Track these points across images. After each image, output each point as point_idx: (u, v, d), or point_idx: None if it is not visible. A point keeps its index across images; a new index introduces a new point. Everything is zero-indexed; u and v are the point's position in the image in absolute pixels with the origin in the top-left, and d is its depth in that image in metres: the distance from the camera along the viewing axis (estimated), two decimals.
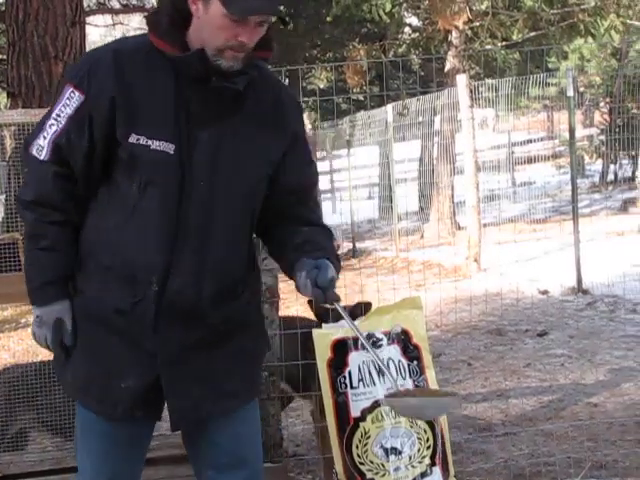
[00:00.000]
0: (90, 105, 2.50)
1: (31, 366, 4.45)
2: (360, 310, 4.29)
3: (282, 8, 2.59)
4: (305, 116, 15.09)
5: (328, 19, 17.05)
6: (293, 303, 6.98)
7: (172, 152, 2.50)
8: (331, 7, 15.60)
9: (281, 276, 3.37)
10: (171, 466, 3.67)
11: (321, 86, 22.45)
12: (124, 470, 2.80)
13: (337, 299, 2.62)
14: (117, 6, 20.64)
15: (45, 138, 2.54)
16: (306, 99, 17.51)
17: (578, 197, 10.48)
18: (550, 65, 22.58)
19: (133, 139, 2.49)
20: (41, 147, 2.54)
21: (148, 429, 2.84)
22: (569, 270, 9.77)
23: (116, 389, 2.61)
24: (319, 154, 18.63)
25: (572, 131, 10.70)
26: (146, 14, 2.63)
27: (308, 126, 16.90)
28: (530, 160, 20.89)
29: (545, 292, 9.84)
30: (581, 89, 22.13)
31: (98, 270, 2.60)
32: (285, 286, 4.44)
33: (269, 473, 4.09)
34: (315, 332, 3.92)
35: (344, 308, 2.69)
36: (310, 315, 4.38)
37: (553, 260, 11.34)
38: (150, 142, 2.49)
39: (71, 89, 2.53)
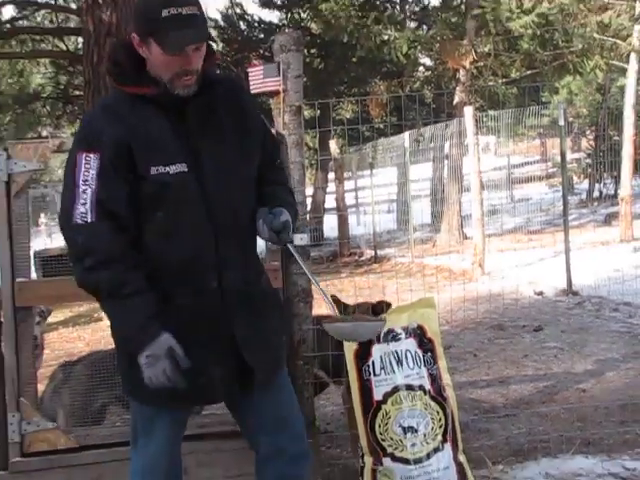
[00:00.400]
0: (108, 156, 2.48)
1: (109, 351, 4.46)
2: (381, 308, 4.30)
3: (210, 32, 2.57)
4: (333, 142, 15.26)
5: (354, 60, 17.12)
6: (323, 302, 6.97)
7: (187, 169, 2.53)
8: (356, 50, 15.66)
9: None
10: (218, 441, 3.65)
11: (348, 116, 22.53)
12: (178, 447, 2.86)
13: (289, 240, 2.68)
14: None
15: (84, 204, 2.47)
16: (335, 127, 17.64)
17: (568, 211, 10.44)
18: (543, 99, 22.51)
19: (154, 171, 2.50)
20: (84, 213, 2.47)
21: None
22: (561, 274, 9.72)
23: (213, 381, 2.66)
24: (346, 174, 18.60)
25: (563, 155, 10.68)
26: (107, 67, 2.63)
27: (336, 150, 16.93)
28: (526, 180, 20.89)
29: (540, 293, 9.80)
30: (570, 119, 22.09)
31: (160, 293, 2.57)
32: (316, 288, 4.44)
33: None
34: None
35: (296, 249, 2.73)
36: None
37: (547, 265, 11.29)
38: (168, 168, 2.51)
39: (84, 155, 2.50)
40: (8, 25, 16.27)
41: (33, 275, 4.15)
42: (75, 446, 3.97)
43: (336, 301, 4.48)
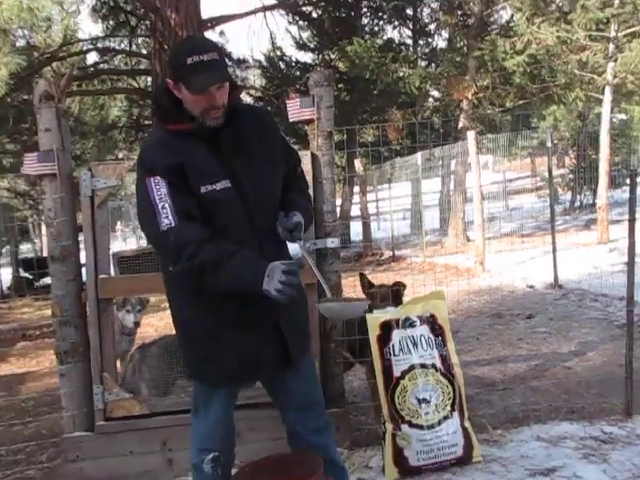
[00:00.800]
0: (170, 178, 2.49)
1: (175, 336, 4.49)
2: (397, 288, 4.45)
3: (227, 68, 2.60)
4: (358, 161, 15.23)
5: (374, 92, 17.12)
6: (350, 295, 6.97)
7: (230, 185, 2.55)
8: (377, 84, 15.65)
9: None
10: (266, 409, 3.67)
11: (370, 139, 22.48)
12: (231, 417, 2.87)
13: (299, 238, 2.66)
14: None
15: (167, 216, 2.48)
16: (359, 149, 17.62)
17: (555, 218, 10.37)
18: (533, 124, 22.37)
19: (203, 189, 2.52)
20: (169, 222, 2.47)
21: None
22: (549, 270, 9.63)
23: (261, 363, 2.69)
24: (368, 188, 18.58)
25: (550, 171, 10.60)
26: (151, 109, 2.69)
27: (361, 168, 16.91)
28: (519, 192, 20.80)
29: (531, 286, 9.72)
30: (555, 141, 21.93)
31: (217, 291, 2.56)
32: (344, 282, 4.44)
33: (335, 416, 4.08)
34: (368, 316, 3.94)
35: (309, 251, 2.80)
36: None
37: (537, 263, 11.19)
38: (214, 186, 2.53)
39: (152, 179, 2.51)
40: (92, 68, 16.45)
41: (112, 272, 4.16)
42: (147, 413, 4.01)
43: (363, 278, 4.54)
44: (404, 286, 4.51)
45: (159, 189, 2.49)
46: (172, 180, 2.49)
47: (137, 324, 5.44)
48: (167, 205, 2.47)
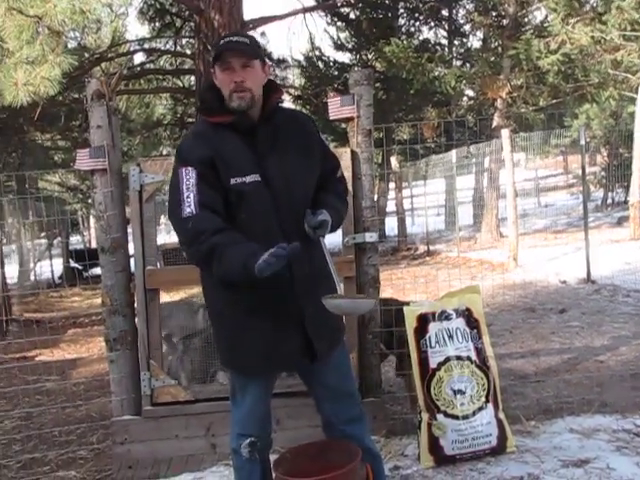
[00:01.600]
0: (200, 169, 2.54)
1: None
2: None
3: (257, 53, 2.67)
4: (394, 158, 15.12)
5: (411, 92, 16.98)
6: (387, 288, 6.96)
7: (260, 179, 2.57)
8: (413, 84, 15.54)
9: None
10: (304, 398, 3.66)
11: (405, 137, 22.35)
12: (267, 404, 2.86)
13: (322, 235, 2.65)
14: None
15: (189, 205, 2.52)
16: (394, 147, 17.53)
17: (587, 214, 10.22)
18: (566, 123, 22.03)
19: (233, 181, 2.54)
20: (191, 210, 2.51)
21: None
22: (581, 266, 9.51)
23: (286, 353, 2.67)
24: (404, 184, 18.50)
25: (583, 168, 10.43)
26: (195, 104, 2.73)
27: (397, 165, 16.83)
28: (551, 189, 20.52)
29: (564, 282, 9.59)
30: (588, 139, 21.58)
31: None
32: (382, 275, 4.42)
33: (372, 405, 4.09)
34: (406, 309, 3.92)
35: (326, 245, 2.70)
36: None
37: (570, 259, 11.06)
38: (244, 179, 2.55)
39: (184, 169, 2.56)
40: (139, 68, 16.58)
41: (158, 264, 4.20)
42: (192, 399, 4.05)
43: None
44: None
45: (189, 179, 2.54)
46: (202, 172, 2.54)
47: None
48: (192, 195, 2.52)
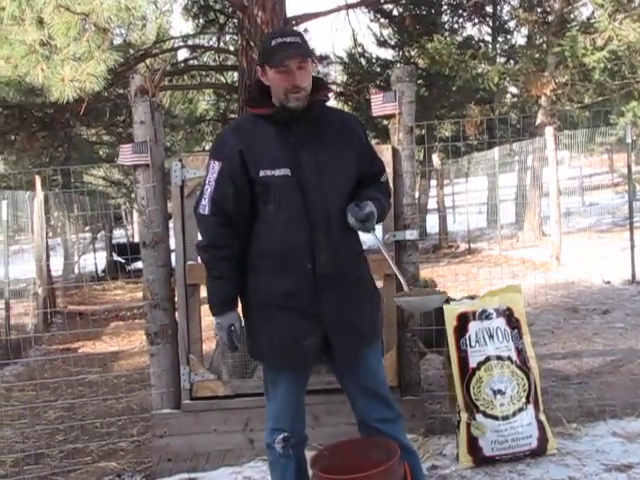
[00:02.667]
0: (226, 164, 2.62)
1: None
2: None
3: (310, 51, 2.70)
4: (436, 155, 15.05)
5: (453, 88, 16.85)
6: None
7: (290, 174, 2.58)
8: (455, 80, 15.41)
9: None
10: (342, 395, 3.66)
11: (447, 134, 22.16)
12: (299, 399, 2.85)
13: (372, 228, 2.66)
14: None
15: (205, 199, 2.65)
16: (436, 144, 17.42)
17: (633, 214, 10.03)
18: (611, 121, 21.61)
19: (263, 173, 2.57)
20: (204, 205, 2.65)
21: (310, 371, 2.91)
22: (626, 266, 9.35)
23: (304, 347, 2.65)
24: (445, 182, 18.35)
25: (629, 167, 10.27)
26: (243, 98, 2.78)
27: (438, 162, 16.71)
28: (595, 187, 20.18)
29: (608, 282, 9.43)
30: (634, 137, 21.18)
31: (267, 272, 2.64)
32: (422, 273, 4.38)
33: (411, 403, 4.07)
34: (446, 307, 3.88)
35: (381, 240, 2.81)
36: None
37: (614, 259, 10.85)
38: (274, 172, 2.58)
39: (212, 162, 2.67)
40: (182, 64, 16.72)
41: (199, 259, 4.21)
42: (231, 394, 4.06)
43: None
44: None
45: (213, 173, 2.65)
46: (226, 165, 2.62)
47: None
48: (209, 189, 2.64)
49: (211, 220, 2.65)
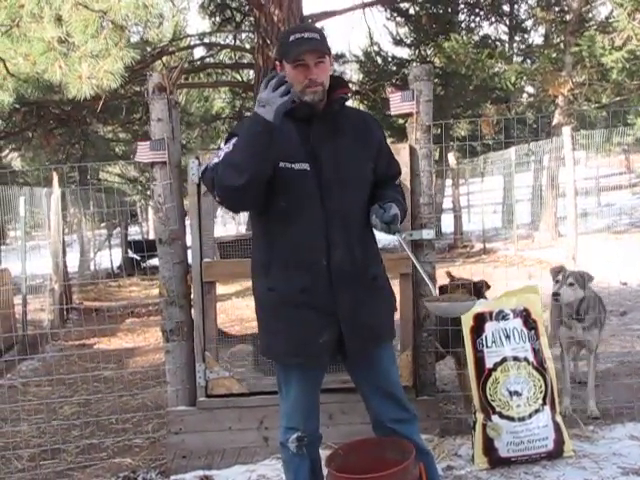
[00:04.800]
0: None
1: None
2: (480, 286, 4.44)
3: (328, 47, 2.66)
4: (451, 155, 14.95)
5: (470, 88, 16.79)
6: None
7: (309, 168, 2.58)
8: (472, 79, 15.36)
9: None
10: (358, 394, 3.66)
11: (462, 134, 22.09)
12: (312, 398, 2.83)
13: (398, 230, 2.65)
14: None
15: (218, 159, 2.54)
16: (452, 143, 17.34)
17: None
18: (629, 121, 21.45)
19: (282, 165, 2.56)
20: (216, 162, 2.53)
21: (325, 370, 2.88)
22: None
23: (318, 345, 2.64)
24: (460, 181, 18.28)
25: None
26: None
27: (454, 162, 16.65)
28: (611, 188, 20.03)
29: (625, 283, 9.36)
30: None
31: (281, 268, 2.63)
32: (437, 273, 4.35)
33: (426, 403, 4.05)
34: None
35: (407, 242, 2.72)
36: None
37: (631, 260, 10.76)
38: (293, 165, 2.57)
39: (232, 138, 2.60)
40: (199, 62, 16.77)
41: (215, 257, 4.22)
42: (246, 392, 4.06)
43: (451, 277, 4.51)
44: (488, 286, 4.44)
45: (229, 144, 2.58)
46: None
47: None
48: (222, 153, 2.56)
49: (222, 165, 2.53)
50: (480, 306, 3.91)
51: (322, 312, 2.62)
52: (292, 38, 2.57)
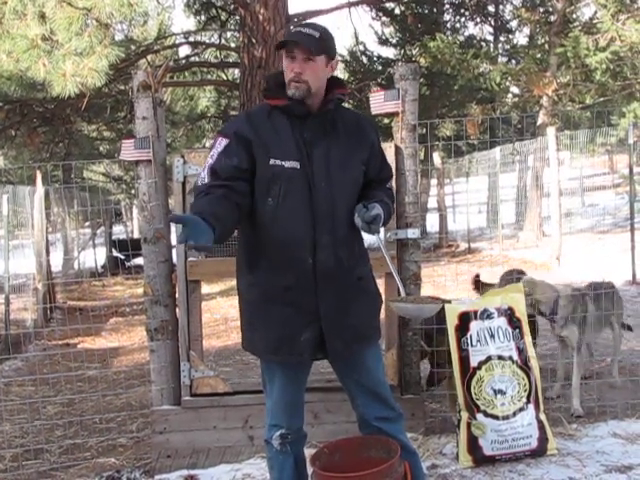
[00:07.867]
0: (233, 142, 2.60)
1: None
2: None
3: (323, 48, 2.66)
4: (436, 154, 14.99)
5: (455, 88, 16.85)
6: (428, 285, 6.88)
7: (299, 167, 2.59)
8: (457, 80, 15.43)
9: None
10: (343, 393, 3.66)
11: (448, 134, 22.15)
12: (296, 395, 2.84)
13: (377, 231, 2.69)
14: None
15: (205, 171, 2.60)
16: (437, 143, 17.37)
17: (634, 215, 10.02)
18: (613, 122, 21.59)
19: (272, 161, 2.57)
20: (203, 177, 2.59)
21: (308, 368, 2.88)
22: (626, 267, 9.33)
23: (299, 343, 2.65)
24: (446, 181, 18.34)
25: (631, 168, 10.27)
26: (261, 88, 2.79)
27: (439, 161, 16.70)
28: (595, 188, 20.17)
29: None
30: (635, 139, 21.14)
31: (266, 266, 2.63)
32: (422, 272, 4.36)
33: (411, 402, 4.06)
34: (447, 306, 3.89)
35: (385, 244, 2.82)
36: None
37: (614, 260, 10.84)
38: (283, 162, 2.58)
39: (220, 138, 2.65)
40: (184, 61, 16.70)
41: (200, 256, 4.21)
42: (230, 391, 4.05)
43: (477, 281, 4.60)
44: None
45: (218, 147, 2.63)
46: (234, 143, 2.60)
47: None
48: (210, 161, 2.60)
49: (205, 186, 2.55)
50: (465, 305, 3.93)
51: (304, 310, 2.63)
52: (293, 30, 2.65)
